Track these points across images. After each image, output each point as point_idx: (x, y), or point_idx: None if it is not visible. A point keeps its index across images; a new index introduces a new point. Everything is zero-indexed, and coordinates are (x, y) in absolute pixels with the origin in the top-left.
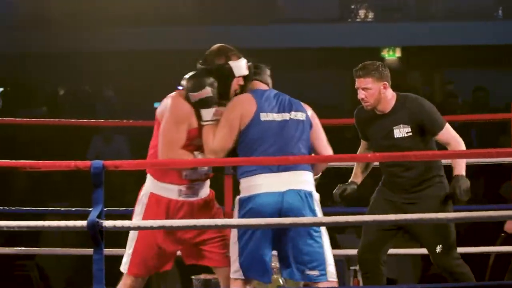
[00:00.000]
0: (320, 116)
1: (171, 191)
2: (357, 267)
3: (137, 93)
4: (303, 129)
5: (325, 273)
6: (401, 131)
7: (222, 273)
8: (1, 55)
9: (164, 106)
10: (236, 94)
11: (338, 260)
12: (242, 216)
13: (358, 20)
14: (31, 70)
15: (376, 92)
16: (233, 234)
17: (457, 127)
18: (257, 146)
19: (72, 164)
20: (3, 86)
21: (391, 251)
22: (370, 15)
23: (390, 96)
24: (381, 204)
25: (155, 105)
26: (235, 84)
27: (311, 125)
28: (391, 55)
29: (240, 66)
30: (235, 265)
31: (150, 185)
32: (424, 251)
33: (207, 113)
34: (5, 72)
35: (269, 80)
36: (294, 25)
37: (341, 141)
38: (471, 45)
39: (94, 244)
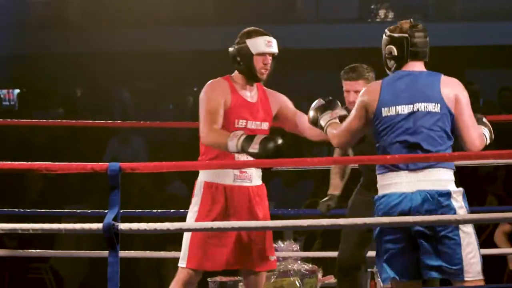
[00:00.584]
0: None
1: (226, 176)
2: (375, 269)
3: (154, 94)
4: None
5: (462, 271)
6: None
7: (257, 278)
8: (16, 56)
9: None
10: (266, 74)
11: None
12: (376, 215)
13: (378, 20)
14: (47, 71)
15: None
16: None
17: None
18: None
19: (88, 166)
20: (19, 88)
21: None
22: (390, 15)
23: None
24: (361, 205)
25: (171, 106)
26: (259, 62)
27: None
28: None
29: (257, 44)
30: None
31: (203, 174)
32: None
33: (324, 119)
34: (21, 73)
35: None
36: (314, 25)
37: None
38: (492, 45)
39: (110, 246)
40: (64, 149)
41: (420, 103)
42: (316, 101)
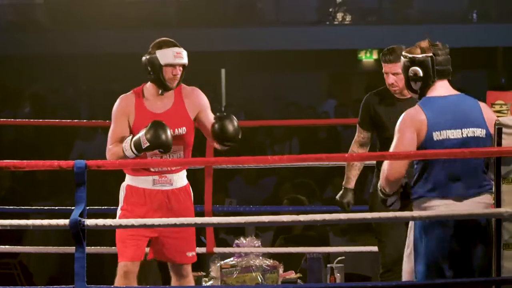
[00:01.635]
0: (299, 116)
1: (145, 182)
2: (334, 265)
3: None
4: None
5: None
6: None
7: (176, 270)
8: None
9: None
10: (175, 83)
11: (316, 257)
12: (424, 228)
13: (335, 23)
14: (15, 72)
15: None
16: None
17: None
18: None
19: (55, 163)
20: None
21: (367, 248)
22: (348, 18)
23: None
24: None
25: None
26: (168, 73)
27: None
28: (368, 57)
29: (166, 55)
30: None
31: (127, 179)
32: None
33: None
34: None
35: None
36: (273, 28)
37: (317, 141)
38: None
39: (76, 242)
40: (32, 147)
41: (468, 128)
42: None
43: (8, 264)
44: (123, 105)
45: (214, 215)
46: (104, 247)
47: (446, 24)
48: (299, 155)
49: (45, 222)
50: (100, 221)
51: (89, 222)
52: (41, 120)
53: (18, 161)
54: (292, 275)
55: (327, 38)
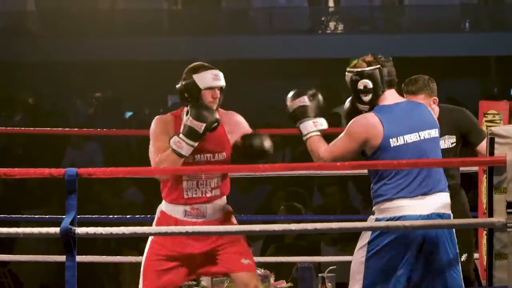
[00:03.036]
0: (290, 125)
1: (177, 211)
2: (325, 274)
3: (109, 103)
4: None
5: None
6: (446, 142)
7: (239, 279)
8: None
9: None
10: (216, 107)
11: (307, 267)
12: (376, 236)
13: (328, 32)
14: (6, 79)
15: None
16: (360, 252)
17: None
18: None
19: (46, 171)
20: None
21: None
22: (340, 27)
23: (436, 109)
24: None
25: (127, 114)
26: (208, 97)
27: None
28: None
29: (205, 78)
30: (356, 286)
31: (162, 205)
32: None
33: (306, 126)
34: None
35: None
36: (266, 36)
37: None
38: (439, 57)
39: (67, 250)
40: (23, 155)
41: (424, 131)
42: (297, 93)
43: None
44: (162, 125)
45: None
46: (95, 256)
47: (439, 33)
48: (291, 164)
49: (36, 230)
50: (91, 230)
51: (80, 230)
52: (32, 128)
53: (8, 168)
54: (283, 284)
55: (320, 47)
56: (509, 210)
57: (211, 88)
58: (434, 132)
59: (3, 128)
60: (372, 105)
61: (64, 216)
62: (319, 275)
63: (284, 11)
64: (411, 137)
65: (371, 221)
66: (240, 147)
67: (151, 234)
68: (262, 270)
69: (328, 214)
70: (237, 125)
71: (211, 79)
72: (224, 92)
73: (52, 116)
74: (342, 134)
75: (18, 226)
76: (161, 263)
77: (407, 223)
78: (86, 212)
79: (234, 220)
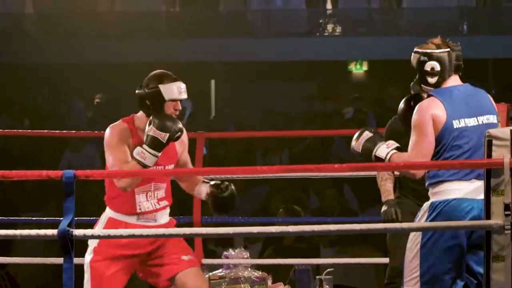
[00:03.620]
0: (288, 127)
1: (129, 219)
2: (323, 276)
3: (107, 105)
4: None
5: None
6: None
7: (183, 277)
8: None
9: None
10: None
11: (305, 269)
12: (431, 220)
13: (326, 34)
14: (5, 81)
15: None
16: (412, 244)
17: None
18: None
19: (44, 173)
20: None
21: (356, 260)
22: (338, 30)
23: None
24: (408, 219)
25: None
26: (170, 108)
27: None
28: (358, 69)
29: (171, 90)
30: (412, 278)
31: (109, 212)
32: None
33: (381, 150)
34: None
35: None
36: (264, 39)
37: (308, 151)
38: None
39: (64, 253)
40: (20, 157)
41: (483, 116)
42: (358, 134)
43: None
44: (119, 134)
45: (203, 226)
46: None
47: (437, 35)
48: (288, 166)
49: (33, 232)
50: (89, 231)
51: (78, 232)
52: (29, 130)
53: (6, 171)
54: (281, 286)
55: (318, 49)
56: (506, 213)
57: (175, 101)
58: (493, 118)
59: (1, 130)
60: (437, 88)
61: (61, 218)
62: (317, 277)
63: (282, 13)
64: (471, 121)
65: (424, 208)
66: (213, 201)
67: (148, 236)
68: (260, 273)
69: (326, 216)
70: (184, 139)
71: (177, 92)
72: (222, 98)
73: (51, 118)
74: (412, 132)
75: (15, 228)
76: (109, 264)
77: (405, 225)
78: (84, 214)
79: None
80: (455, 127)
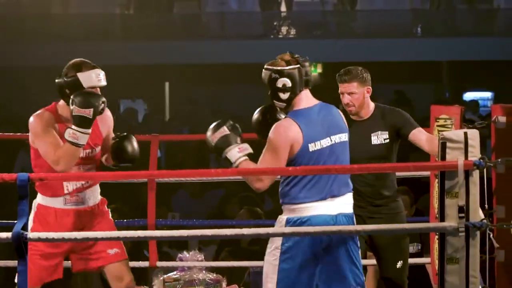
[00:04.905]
0: (242, 130)
1: (57, 202)
2: None
3: None
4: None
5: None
6: (379, 138)
7: (112, 270)
8: None
9: None
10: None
11: (259, 271)
12: (285, 241)
13: (280, 36)
14: None
15: (361, 97)
16: (272, 254)
17: None
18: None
19: None
20: None
21: None
22: (292, 32)
23: (372, 105)
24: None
25: None
26: None
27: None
28: (313, 71)
29: (89, 77)
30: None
31: (38, 198)
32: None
33: (233, 153)
34: None
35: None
36: (218, 41)
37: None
38: (391, 62)
39: (19, 255)
40: None
41: (335, 135)
42: (216, 125)
43: None
44: (45, 121)
45: (157, 229)
46: None
47: (391, 38)
48: (243, 168)
49: None
50: (43, 234)
51: (32, 235)
52: None
53: None
54: None
55: (272, 52)
56: (460, 215)
57: (94, 87)
58: (344, 136)
59: None
60: (289, 103)
61: (15, 221)
62: None
63: (237, 16)
64: (326, 142)
65: (281, 221)
66: (112, 151)
67: (103, 238)
68: (215, 275)
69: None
70: (109, 121)
71: (95, 79)
72: (174, 96)
73: (8, 121)
74: (265, 150)
75: None
76: (41, 258)
77: (352, 227)
78: None
79: (105, 203)
80: (310, 150)
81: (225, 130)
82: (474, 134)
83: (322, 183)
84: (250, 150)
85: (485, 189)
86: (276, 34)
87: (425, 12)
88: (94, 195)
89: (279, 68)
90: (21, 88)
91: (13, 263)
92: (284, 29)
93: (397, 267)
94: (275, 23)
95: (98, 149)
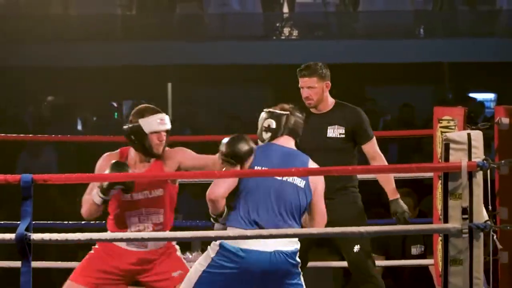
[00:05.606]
0: (243, 131)
1: (120, 242)
2: None
3: (62, 109)
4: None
5: None
6: (335, 132)
7: None
8: None
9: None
10: (161, 149)
11: None
12: (216, 260)
13: (282, 38)
14: None
15: (320, 91)
16: (203, 260)
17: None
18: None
19: (1, 177)
20: None
21: (313, 264)
22: (295, 33)
23: (330, 97)
24: None
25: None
26: (154, 140)
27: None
28: None
29: (150, 123)
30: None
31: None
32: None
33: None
34: None
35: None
36: (220, 42)
37: None
38: (393, 63)
39: (22, 257)
40: None
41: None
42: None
43: None
44: (106, 164)
45: None
46: (51, 262)
47: (393, 39)
48: (246, 170)
49: None
50: (47, 236)
51: (35, 236)
52: None
53: None
54: None
55: (274, 53)
56: (464, 216)
57: (157, 132)
58: (299, 181)
59: None
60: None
61: (18, 222)
62: None
63: (238, 16)
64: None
65: (217, 245)
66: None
67: (106, 240)
68: None
69: None
70: (176, 158)
71: (157, 124)
72: (178, 101)
73: (6, 122)
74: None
75: None
76: (100, 271)
77: (355, 229)
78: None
79: (176, 248)
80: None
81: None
82: (477, 135)
83: (246, 209)
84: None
85: (488, 191)
86: (278, 35)
87: (427, 13)
88: (159, 242)
89: (271, 110)
90: (21, 88)
91: (14, 264)
92: (286, 30)
93: (355, 251)
94: (277, 24)
95: (160, 192)
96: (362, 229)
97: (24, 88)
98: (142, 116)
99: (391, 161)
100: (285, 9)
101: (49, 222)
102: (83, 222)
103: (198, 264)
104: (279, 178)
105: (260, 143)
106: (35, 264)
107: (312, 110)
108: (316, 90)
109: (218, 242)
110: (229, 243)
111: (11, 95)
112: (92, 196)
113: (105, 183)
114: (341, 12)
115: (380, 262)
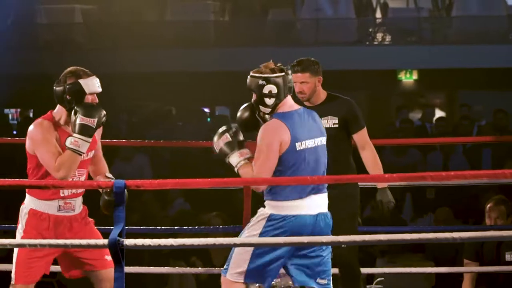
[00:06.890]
0: None
1: (51, 207)
2: (373, 286)
3: (159, 114)
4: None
5: (331, 283)
6: (328, 122)
7: (103, 276)
8: (21, 76)
9: None
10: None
11: None
12: (269, 231)
13: (375, 43)
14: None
15: (313, 85)
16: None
17: (470, 147)
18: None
19: (95, 183)
20: (21, 107)
21: (404, 269)
22: (388, 38)
23: (322, 90)
24: None
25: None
26: (90, 101)
27: None
28: (408, 78)
29: (91, 84)
30: (239, 268)
31: (30, 202)
32: None
33: (233, 158)
34: (24, 92)
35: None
36: (312, 48)
37: None
38: (486, 68)
39: (115, 262)
40: None
41: (318, 138)
42: (221, 132)
43: (47, 284)
44: (46, 130)
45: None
46: (144, 267)
47: (486, 44)
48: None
49: (84, 242)
50: (139, 241)
51: (128, 242)
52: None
53: (56, 180)
54: None
55: (367, 58)
56: None
57: (93, 93)
58: (324, 140)
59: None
60: (273, 108)
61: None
62: (367, 286)
63: (331, 22)
64: (310, 143)
65: (263, 215)
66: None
67: (199, 246)
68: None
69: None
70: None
71: (96, 85)
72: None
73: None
74: (257, 151)
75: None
76: (35, 251)
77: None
78: (130, 223)
79: (86, 212)
80: (297, 149)
81: (227, 137)
82: None
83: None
84: (250, 155)
85: None
86: (371, 40)
87: None
88: (81, 202)
89: (266, 75)
90: (114, 94)
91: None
92: (379, 36)
93: (342, 246)
94: (370, 30)
95: (92, 154)
96: (456, 235)
97: (117, 95)
98: (80, 77)
99: (485, 167)
100: (378, 14)
101: (141, 227)
102: (175, 227)
103: (248, 236)
104: (313, 145)
105: (262, 108)
106: (128, 269)
107: (306, 103)
108: (309, 85)
109: (267, 213)
110: (280, 214)
111: (105, 101)
112: (74, 148)
113: (92, 122)
114: (434, 17)
115: (474, 269)
